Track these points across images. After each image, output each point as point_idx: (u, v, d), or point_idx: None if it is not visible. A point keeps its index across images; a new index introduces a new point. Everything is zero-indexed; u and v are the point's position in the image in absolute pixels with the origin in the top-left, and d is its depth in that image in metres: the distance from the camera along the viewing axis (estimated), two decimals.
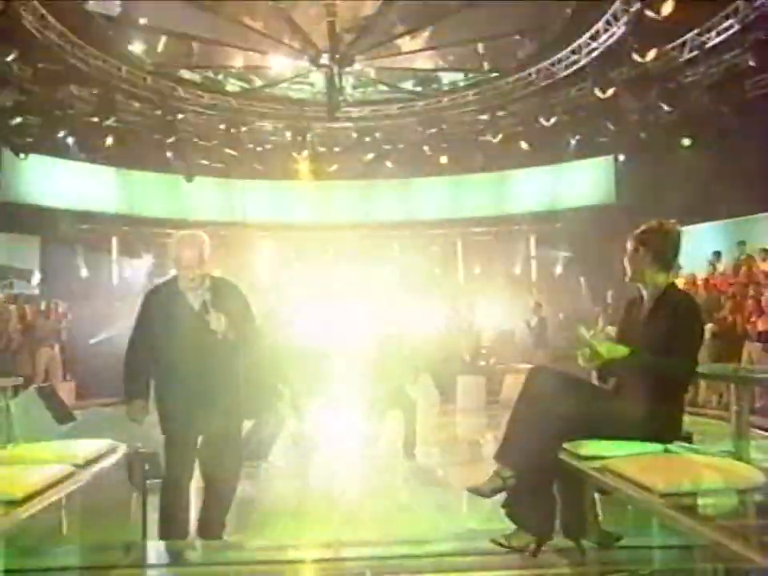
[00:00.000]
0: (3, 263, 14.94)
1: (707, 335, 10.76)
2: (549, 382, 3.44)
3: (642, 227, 3.52)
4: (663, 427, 3.22)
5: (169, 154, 16.58)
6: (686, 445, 3.35)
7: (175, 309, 4.12)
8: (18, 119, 14.21)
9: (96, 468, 3.20)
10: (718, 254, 14.16)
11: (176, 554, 3.67)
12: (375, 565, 3.48)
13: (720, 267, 13.91)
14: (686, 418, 3.37)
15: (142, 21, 14.37)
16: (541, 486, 3.33)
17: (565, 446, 3.24)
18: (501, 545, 3.36)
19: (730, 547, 2.11)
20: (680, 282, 13.33)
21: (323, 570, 3.46)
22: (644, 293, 3.52)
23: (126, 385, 4.18)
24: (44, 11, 12.79)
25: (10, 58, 12.81)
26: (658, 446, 3.11)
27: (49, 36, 13.28)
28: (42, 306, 13.83)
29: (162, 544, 3.74)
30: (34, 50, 13.09)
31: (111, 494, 3.82)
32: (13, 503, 2.51)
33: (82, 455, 3.20)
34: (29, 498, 2.58)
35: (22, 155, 15.23)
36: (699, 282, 13.07)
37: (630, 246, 3.51)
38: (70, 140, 15.45)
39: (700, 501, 2.51)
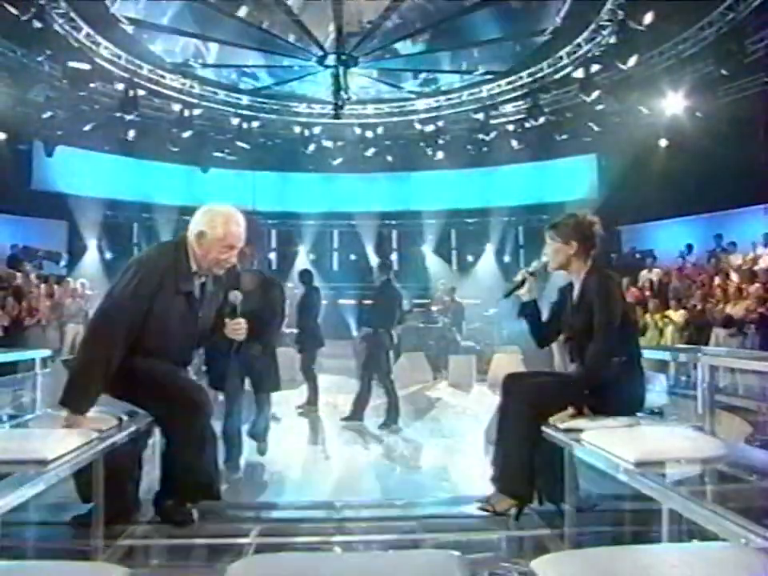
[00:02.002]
0: (34, 245, 14.96)
1: (681, 320, 10.78)
2: (521, 383, 3.48)
3: (563, 221, 3.51)
4: (625, 400, 3.29)
5: (186, 147, 16.53)
6: (657, 419, 3.38)
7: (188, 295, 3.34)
8: (49, 113, 14.19)
9: (116, 434, 3.21)
10: (689, 247, 14.20)
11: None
12: (369, 525, 3.51)
13: (691, 259, 13.93)
14: (658, 396, 3.39)
15: (162, 23, 14.26)
16: (523, 459, 3.37)
17: (546, 419, 3.27)
18: (485, 509, 3.40)
19: (695, 510, 2.13)
20: (655, 273, 13.38)
21: (319, 529, 3.47)
22: (573, 280, 3.53)
23: (77, 390, 3.11)
24: (73, 14, 12.74)
25: (41, 58, 12.83)
26: (631, 420, 3.14)
27: (77, 37, 13.24)
28: (70, 286, 13.83)
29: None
30: (64, 50, 13.05)
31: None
32: (43, 463, 2.54)
33: (104, 422, 3.21)
34: (57, 459, 2.61)
35: (51, 155, 15.27)
36: (673, 272, 13.10)
37: (554, 238, 3.49)
38: (96, 133, 15.40)
39: (668, 469, 2.53)
